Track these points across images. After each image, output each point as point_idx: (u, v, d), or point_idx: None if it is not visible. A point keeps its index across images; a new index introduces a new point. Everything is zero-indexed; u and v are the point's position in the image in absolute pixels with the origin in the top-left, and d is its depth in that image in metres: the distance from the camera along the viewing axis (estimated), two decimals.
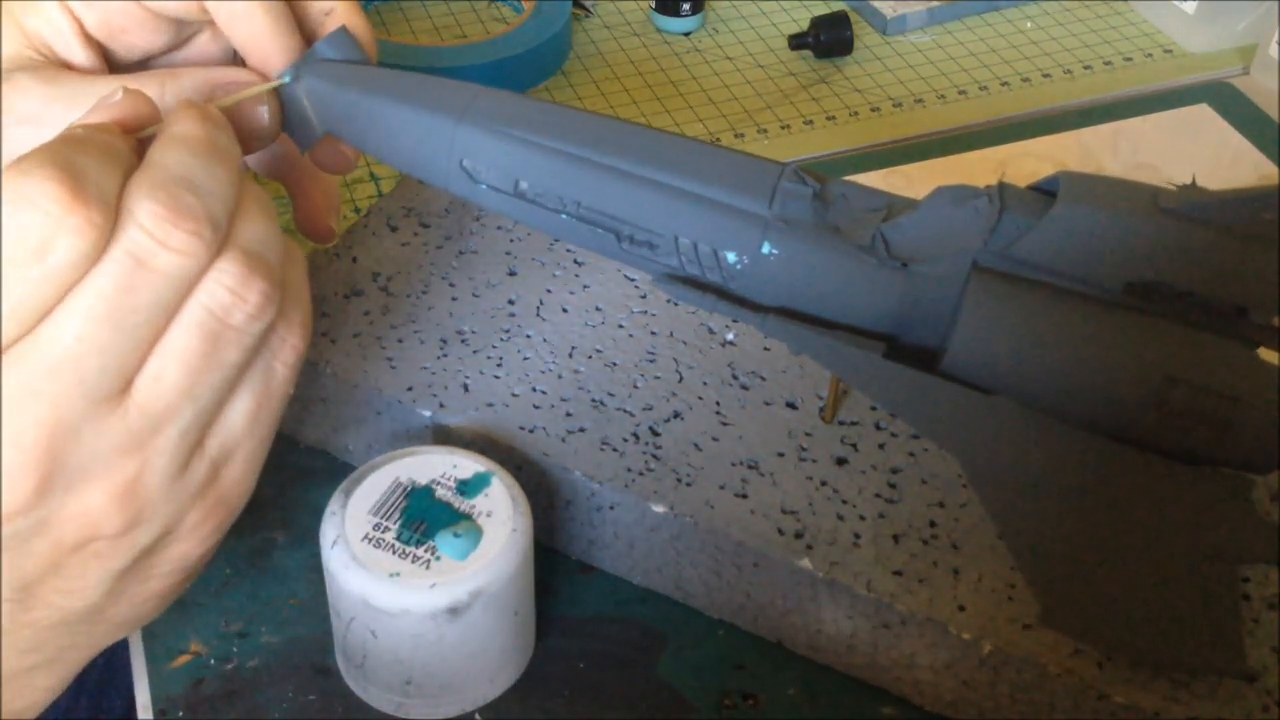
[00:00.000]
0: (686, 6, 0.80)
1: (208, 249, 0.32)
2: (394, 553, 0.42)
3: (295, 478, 0.53)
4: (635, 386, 0.50)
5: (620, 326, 0.53)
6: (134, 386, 0.32)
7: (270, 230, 0.35)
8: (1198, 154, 0.72)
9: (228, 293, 0.33)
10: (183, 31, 0.44)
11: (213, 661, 0.47)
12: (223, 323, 0.33)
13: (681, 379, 0.51)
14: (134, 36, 0.42)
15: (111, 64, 0.42)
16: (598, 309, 0.53)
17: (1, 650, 0.34)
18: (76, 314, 0.31)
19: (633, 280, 0.54)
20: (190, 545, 0.36)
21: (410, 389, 0.49)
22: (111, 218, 0.31)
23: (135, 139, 0.35)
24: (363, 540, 0.42)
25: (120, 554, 0.34)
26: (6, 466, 0.31)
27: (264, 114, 0.41)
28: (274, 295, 0.34)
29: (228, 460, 0.36)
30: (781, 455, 0.48)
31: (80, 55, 0.41)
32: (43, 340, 0.31)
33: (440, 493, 0.44)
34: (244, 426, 0.36)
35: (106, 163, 0.32)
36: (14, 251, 0.30)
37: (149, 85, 0.40)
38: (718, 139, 0.73)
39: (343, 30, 0.42)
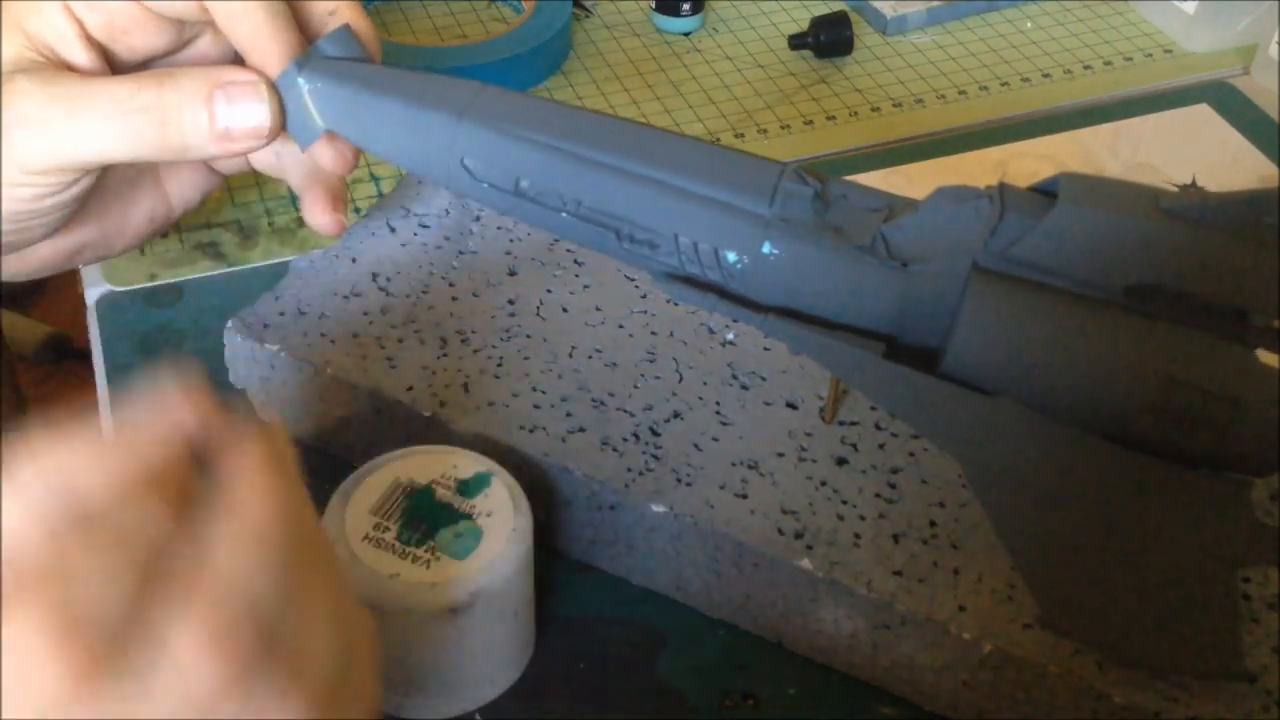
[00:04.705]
0: (686, 6, 0.80)
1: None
2: (394, 553, 0.42)
3: None
4: (635, 386, 0.50)
5: (620, 326, 0.53)
6: None
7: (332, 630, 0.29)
8: (1198, 154, 0.72)
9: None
10: (184, 33, 0.44)
11: None
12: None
13: (681, 379, 0.51)
14: (135, 38, 0.42)
15: (113, 66, 0.42)
16: (598, 309, 0.53)
17: None
18: None
19: (633, 280, 0.54)
20: None
21: (410, 389, 0.49)
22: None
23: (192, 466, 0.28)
24: (363, 540, 0.42)
25: None
26: None
27: (264, 112, 0.41)
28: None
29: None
30: (781, 455, 0.48)
31: (82, 57, 0.41)
32: None
33: (440, 493, 0.44)
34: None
35: (135, 585, 0.25)
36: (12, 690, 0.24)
37: (149, 92, 0.40)
38: (718, 139, 0.73)
39: (345, 28, 0.42)
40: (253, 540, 0.27)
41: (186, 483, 0.28)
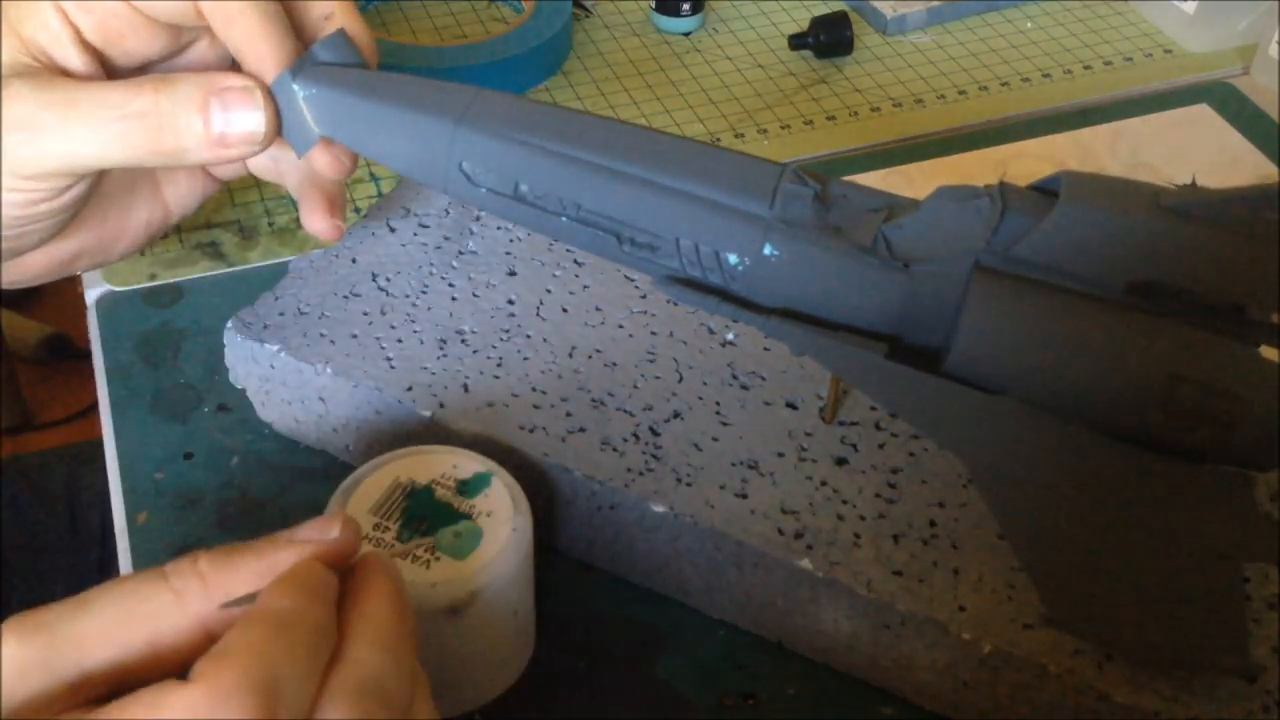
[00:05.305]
0: (686, 6, 0.80)
1: None
2: (394, 553, 0.42)
3: (295, 478, 0.53)
4: (635, 386, 0.50)
5: (620, 326, 0.53)
6: None
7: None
8: (1198, 154, 0.72)
9: None
10: (180, 38, 0.43)
11: None
12: None
13: (681, 379, 0.50)
14: (131, 42, 0.42)
15: (109, 70, 0.42)
16: (598, 309, 0.53)
17: None
18: None
19: (633, 280, 0.54)
20: None
21: (410, 389, 0.49)
22: None
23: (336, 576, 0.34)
24: (363, 540, 0.42)
25: None
26: None
27: (259, 118, 0.41)
28: None
29: None
30: (781, 455, 0.48)
31: (77, 61, 0.41)
32: None
33: (440, 493, 0.44)
34: None
35: (308, 666, 0.31)
36: None
37: (144, 97, 0.40)
38: (718, 139, 0.73)
39: (340, 33, 0.42)
40: (385, 641, 0.33)
41: (335, 588, 0.34)
